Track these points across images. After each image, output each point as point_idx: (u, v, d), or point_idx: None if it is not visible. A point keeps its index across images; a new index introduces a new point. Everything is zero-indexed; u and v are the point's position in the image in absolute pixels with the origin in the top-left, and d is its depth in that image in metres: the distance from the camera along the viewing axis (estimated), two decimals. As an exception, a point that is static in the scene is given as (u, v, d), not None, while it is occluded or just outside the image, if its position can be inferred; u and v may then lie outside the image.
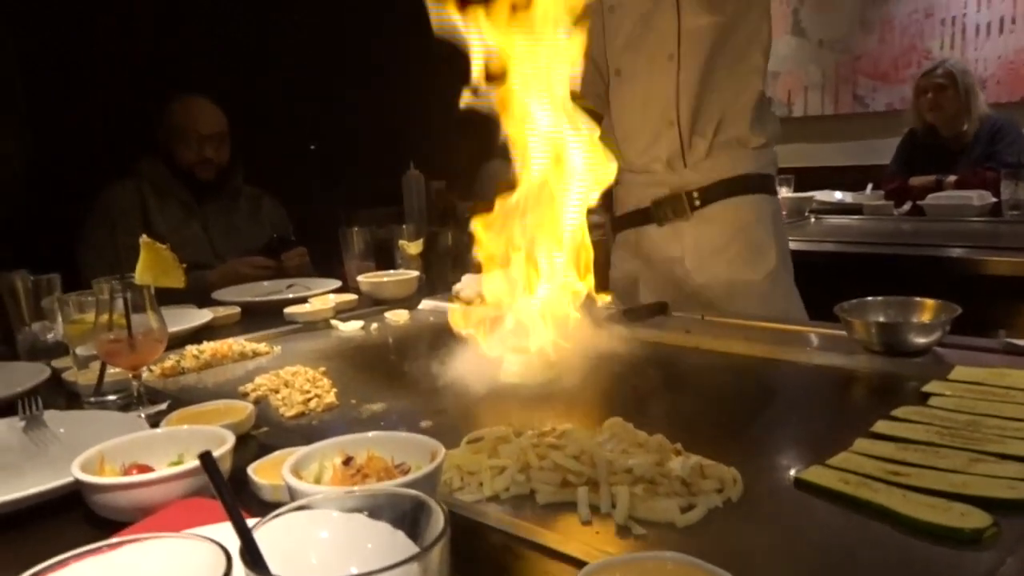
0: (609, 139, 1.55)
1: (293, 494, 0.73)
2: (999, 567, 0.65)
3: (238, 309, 1.88)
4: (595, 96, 1.99)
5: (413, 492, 0.48)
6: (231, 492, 0.43)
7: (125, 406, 1.19)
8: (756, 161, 1.87)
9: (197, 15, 3.28)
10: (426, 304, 1.90)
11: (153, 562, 0.42)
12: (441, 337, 1.59)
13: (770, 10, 1.89)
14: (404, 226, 2.23)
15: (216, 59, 3.22)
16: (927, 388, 1.08)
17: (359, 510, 0.50)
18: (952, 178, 3.48)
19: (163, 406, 1.17)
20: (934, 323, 1.26)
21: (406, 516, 0.47)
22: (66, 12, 2.95)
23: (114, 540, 0.44)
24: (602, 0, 1.87)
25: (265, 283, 2.20)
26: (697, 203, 1.86)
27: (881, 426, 0.95)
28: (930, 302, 1.32)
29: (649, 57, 1.84)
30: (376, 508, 0.48)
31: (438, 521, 0.43)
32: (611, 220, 2.12)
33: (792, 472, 0.85)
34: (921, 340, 1.24)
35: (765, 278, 1.82)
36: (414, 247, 2.13)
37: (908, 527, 0.73)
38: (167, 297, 1.30)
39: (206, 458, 0.43)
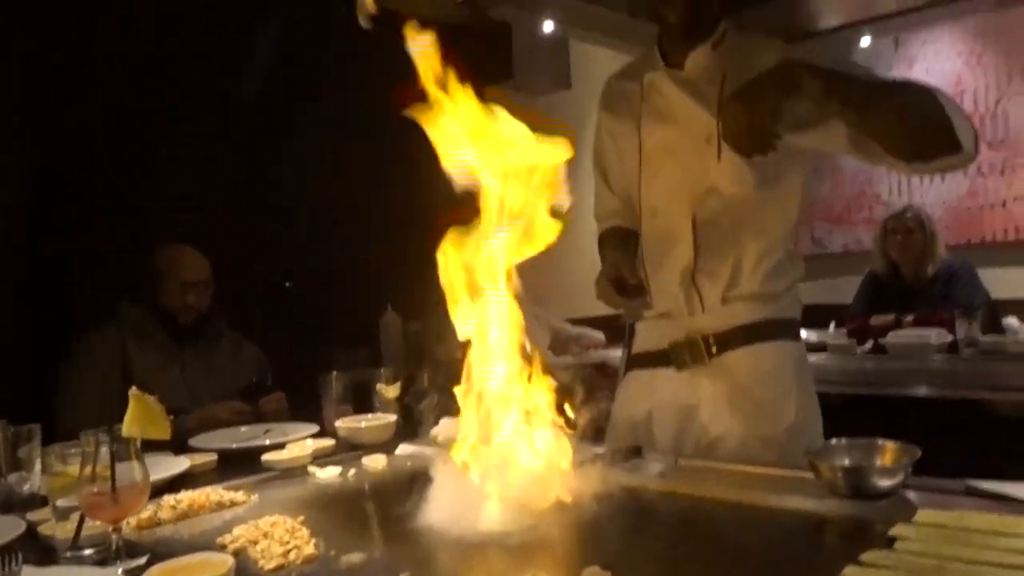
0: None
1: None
2: None
3: (215, 456, 1.88)
4: (609, 216, 1.98)
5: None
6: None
7: (102, 560, 1.18)
8: (776, 306, 1.81)
9: (177, 161, 3.41)
10: (404, 449, 1.91)
11: None
12: (419, 483, 1.60)
13: (805, 180, 1.86)
14: (382, 369, 2.27)
15: (199, 207, 3.34)
16: (893, 532, 1.11)
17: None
18: (911, 317, 3.63)
19: (142, 560, 1.17)
20: (896, 466, 1.31)
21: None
22: (49, 153, 3.04)
23: None
24: (640, 137, 1.84)
25: (243, 428, 2.21)
26: (714, 349, 1.78)
27: (850, 571, 0.98)
28: (891, 445, 1.37)
29: (679, 209, 1.80)
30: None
31: None
32: (627, 357, 2.05)
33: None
34: (885, 483, 1.28)
35: (783, 432, 1.73)
36: (392, 391, 2.17)
37: (879, 676, 0.75)
38: (144, 444, 1.32)
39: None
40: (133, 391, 1.22)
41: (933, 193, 4.77)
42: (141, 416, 1.21)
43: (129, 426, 1.20)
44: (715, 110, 1.71)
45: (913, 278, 3.87)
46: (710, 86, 1.76)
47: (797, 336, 1.87)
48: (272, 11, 3.68)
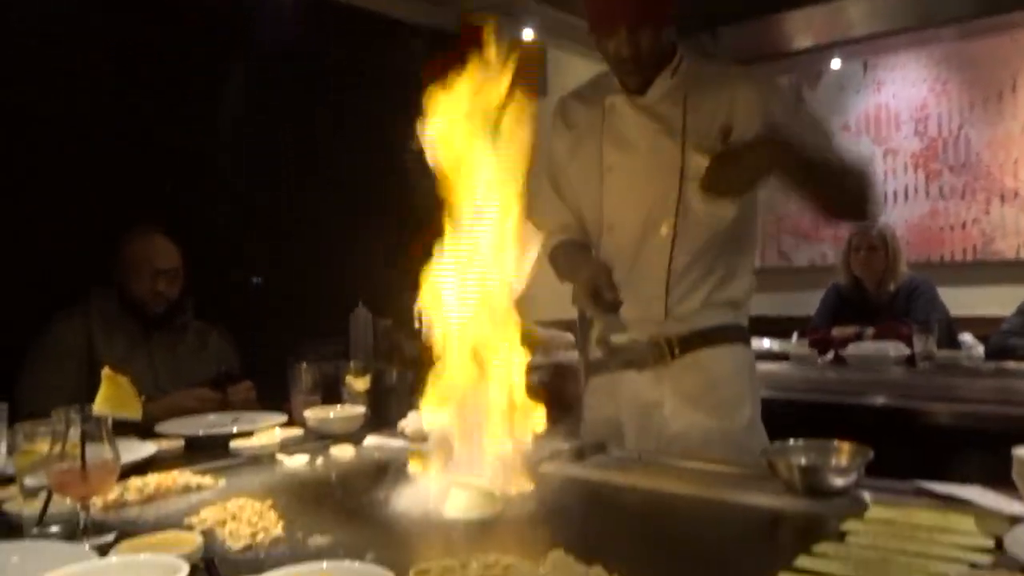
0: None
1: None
2: None
3: (182, 442, 1.88)
4: (560, 230, 2.04)
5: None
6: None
7: (69, 537, 1.18)
8: (735, 313, 1.95)
9: (149, 147, 3.39)
10: (371, 440, 1.93)
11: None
12: (386, 472, 1.63)
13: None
14: (351, 362, 2.28)
15: (168, 190, 3.31)
16: (844, 527, 1.16)
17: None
18: (871, 331, 3.72)
19: (110, 537, 1.17)
20: (850, 465, 1.36)
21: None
22: (19, 139, 3.01)
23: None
24: (601, 158, 1.93)
25: (210, 416, 2.20)
26: (677, 351, 1.89)
27: (802, 561, 1.02)
28: (846, 445, 1.43)
29: (646, 228, 1.88)
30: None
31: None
32: (585, 363, 2.14)
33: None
34: (839, 482, 1.33)
35: (741, 428, 1.86)
36: (361, 383, 2.18)
37: (825, 654, 0.79)
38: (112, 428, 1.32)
39: (210, 565, 0.48)
40: (106, 371, 1.23)
41: (897, 213, 4.89)
42: (113, 396, 1.22)
43: (101, 405, 1.21)
44: (680, 136, 1.83)
45: (875, 293, 3.97)
46: (673, 108, 1.87)
47: (748, 342, 2.01)
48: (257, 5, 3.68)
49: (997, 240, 4.66)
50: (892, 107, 4.98)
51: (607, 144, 1.93)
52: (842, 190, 1.81)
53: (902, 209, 4.91)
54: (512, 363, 1.52)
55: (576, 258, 1.98)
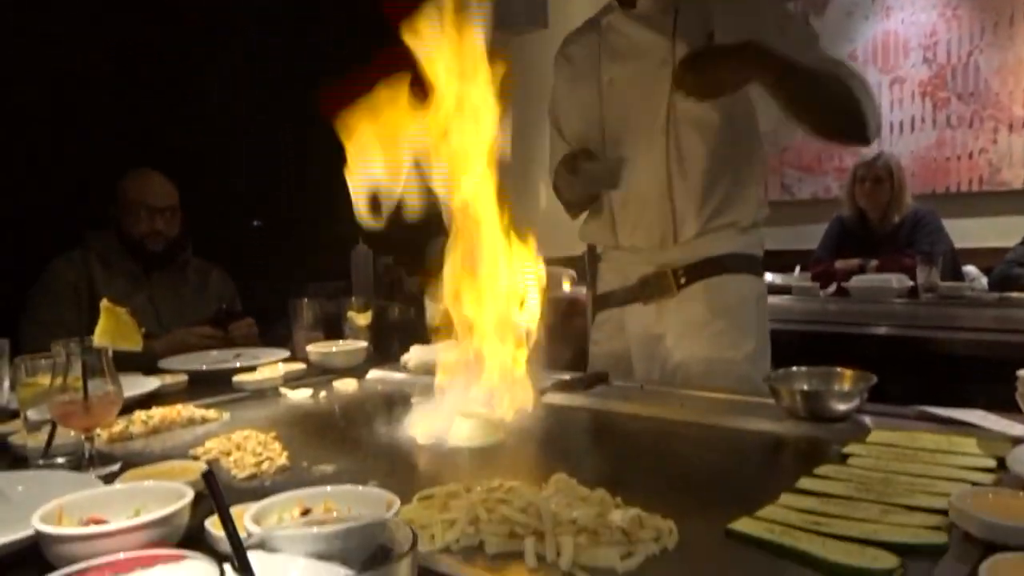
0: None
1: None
2: (905, 602, 0.72)
3: (185, 377, 1.88)
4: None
5: (382, 516, 0.53)
6: (227, 508, 0.47)
7: (75, 467, 1.19)
8: (744, 241, 1.89)
9: (148, 89, 3.34)
10: (374, 374, 1.94)
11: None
12: (390, 404, 1.64)
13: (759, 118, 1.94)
14: (353, 298, 2.28)
15: (167, 132, 3.27)
16: (846, 450, 1.16)
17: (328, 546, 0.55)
18: (874, 263, 3.70)
19: (115, 467, 1.18)
20: (852, 391, 1.36)
21: (376, 542, 0.52)
22: (15, 83, 2.97)
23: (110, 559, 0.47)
24: (599, 75, 1.90)
25: (212, 352, 2.21)
26: (683, 281, 1.86)
27: (804, 482, 1.03)
28: (849, 372, 1.42)
29: (647, 139, 1.85)
30: (347, 533, 0.53)
31: (407, 536, 0.48)
32: (592, 298, 2.13)
33: (723, 523, 0.91)
34: (841, 407, 1.34)
35: (745, 359, 1.82)
36: (363, 318, 2.18)
37: (826, 570, 0.79)
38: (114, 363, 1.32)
39: (208, 476, 0.48)
40: (104, 303, 1.22)
41: (903, 143, 4.82)
42: (112, 327, 1.21)
43: (101, 337, 1.20)
44: (670, 40, 1.80)
45: (879, 225, 3.93)
46: (663, 16, 1.83)
47: (759, 273, 1.96)
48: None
49: (1004, 170, 4.59)
50: (901, 34, 4.85)
51: (605, 60, 1.91)
52: (834, 105, 1.70)
53: (908, 139, 4.83)
54: (519, 297, 1.51)
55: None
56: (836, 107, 1.70)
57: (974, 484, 0.98)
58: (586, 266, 2.13)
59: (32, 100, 3.04)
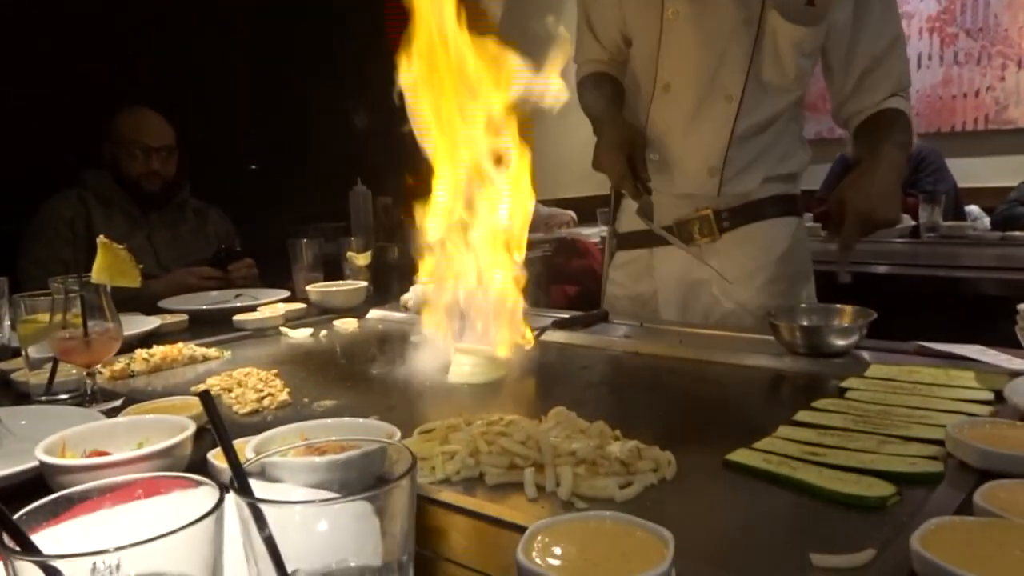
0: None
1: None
2: (901, 528, 0.73)
3: (186, 317, 1.89)
4: (590, 63, 1.91)
5: (379, 440, 0.53)
6: (225, 427, 0.47)
7: (77, 403, 1.20)
8: (785, 184, 1.80)
9: (144, 27, 3.28)
10: (374, 313, 1.94)
11: (155, 503, 0.47)
12: (390, 342, 1.65)
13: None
14: (352, 239, 2.27)
15: (164, 72, 3.22)
16: (845, 384, 1.17)
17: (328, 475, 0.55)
18: (876, 202, 3.67)
19: (118, 402, 1.19)
20: (852, 327, 1.36)
21: (376, 471, 0.52)
22: (9, 21, 2.92)
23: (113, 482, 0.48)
24: (663, 4, 1.69)
25: (213, 293, 2.21)
26: (727, 224, 1.76)
27: (802, 415, 1.04)
28: (848, 308, 1.42)
29: (708, 88, 1.70)
30: (347, 462, 0.53)
31: (406, 457, 0.48)
32: (614, 237, 1.98)
33: (721, 455, 0.92)
34: (840, 342, 1.34)
35: (800, 306, 1.65)
36: (363, 258, 2.17)
37: (822, 498, 0.80)
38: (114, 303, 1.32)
39: (204, 395, 0.48)
40: (101, 239, 1.21)
41: (908, 81, 4.74)
42: (110, 264, 1.20)
43: (98, 274, 1.20)
44: None
45: (882, 164, 3.89)
46: None
47: (800, 212, 1.85)
48: None
49: (1011, 108, 4.53)
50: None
51: None
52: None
53: (915, 78, 4.70)
54: (514, 236, 1.50)
55: (604, 103, 1.80)
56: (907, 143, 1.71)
57: (971, 416, 0.98)
58: (611, 203, 2.00)
59: (27, 37, 2.98)
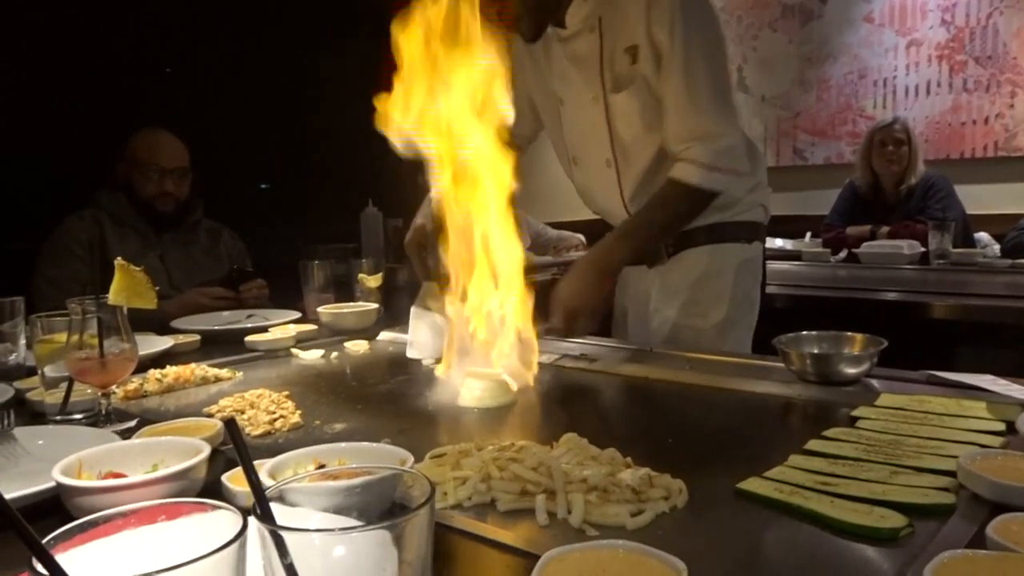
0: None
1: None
2: (912, 560, 0.73)
3: (198, 337, 1.90)
4: (522, 138, 2.09)
5: (396, 467, 0.54)
6: (250, 455, 0.48)
7: (92, 424, 1.21)
8: (732, 211, 1.91)
9: (159, 50, 3.33)
10: (385, 335, 1.95)
11: (176, 528, 0.48)
12: (401, 365, 1.65)
13: None
14: (363, 260, 2.28)
15: (177, 93, 3.27)
16: (855, 413, 1.17)
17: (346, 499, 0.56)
18: (885, 229, 3.69)
19: (132, 423, 1.20)
20: (862, 355, 1.37)
21: (393, 496, 0.53)
22: (26, 44, 2.96)
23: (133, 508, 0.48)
24: (555, 91, 1.96)
25: (224, 313, 2.23)
26: (671, 249, 1.93)
27: (813, 444, 1.04)
28: (859, 336, 1.42)
29: (596, 159, 1.94)
30: (365, 487, 0.54)
31: (425, 488, 0.49)
32: None
33: (733, 483, 0.92)
34: (851, 370, 1.34)
35: (713, 327, 1.88)
36: (374, 280, 2.18)
37: (834, 528, 0.80)
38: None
39: (230, 424, 0.48)
40: (119, 261, 1.23)
41: (918, 107, 4.76)
42: (127, 286, 1.22)
43: (116, 295, 1.21)
44: (598, 64, 1.82)
45: (892, 191, 3.90)
46: (590, 36, 1.82)
47: (753, 239, 1.96)
48: None
49: (1020, 135, 4.53)
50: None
51: (555, 79, 1.95)
52: (682, 215, 1.83)
53: (924, 104, 4.77)
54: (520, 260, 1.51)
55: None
56: (684, 213, 1.83)
57: (983, 447, 0.98)
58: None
59: (43, 59, 3.03)
